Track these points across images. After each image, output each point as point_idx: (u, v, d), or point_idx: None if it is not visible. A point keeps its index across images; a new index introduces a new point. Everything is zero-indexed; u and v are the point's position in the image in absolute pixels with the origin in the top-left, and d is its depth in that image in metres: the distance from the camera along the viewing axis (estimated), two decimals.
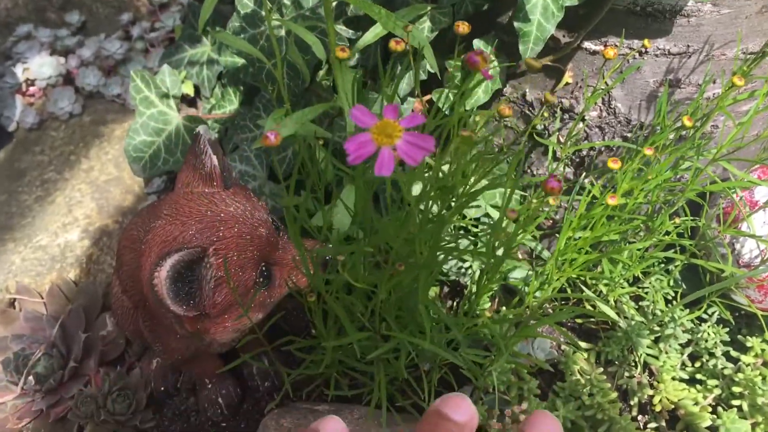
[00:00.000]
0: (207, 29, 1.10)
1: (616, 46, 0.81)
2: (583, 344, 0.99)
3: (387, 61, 0.95)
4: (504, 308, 0.96)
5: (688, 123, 0.67)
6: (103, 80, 1.38)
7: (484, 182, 0.66)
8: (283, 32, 0.88)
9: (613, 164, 0.57)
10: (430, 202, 0.62)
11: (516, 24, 0.78)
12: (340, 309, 0.69)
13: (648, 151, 0.63)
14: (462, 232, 0.99)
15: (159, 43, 1.47)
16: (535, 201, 0.54)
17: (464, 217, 0.92)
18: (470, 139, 0.48)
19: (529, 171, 0.97)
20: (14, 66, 1.41)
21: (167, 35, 1.48)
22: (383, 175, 0.43)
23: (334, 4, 0.81)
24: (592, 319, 0.99)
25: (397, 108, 0.46)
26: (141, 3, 1.61)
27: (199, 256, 0.74)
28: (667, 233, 0.83)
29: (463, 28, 0.58)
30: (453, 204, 0.65)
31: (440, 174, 0.60)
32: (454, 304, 1.05)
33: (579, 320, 0.99)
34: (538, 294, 0.85)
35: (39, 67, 1.39)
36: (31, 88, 1.39)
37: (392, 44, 0.55)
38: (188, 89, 1.37)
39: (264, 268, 0.80)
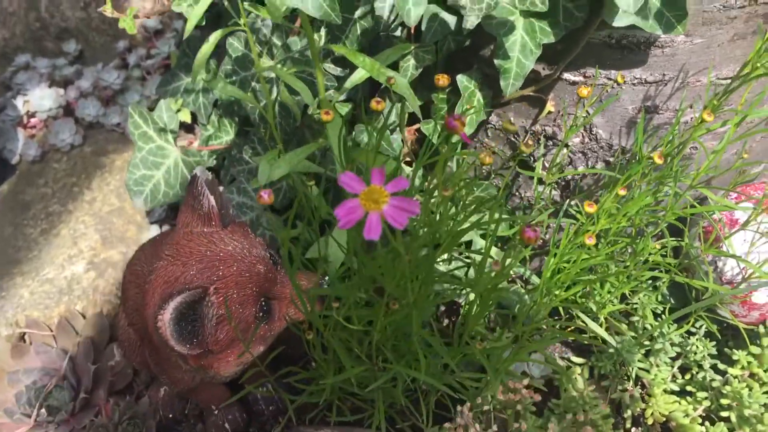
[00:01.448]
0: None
1: (588, 77, 0.84)
2: (576, 359, 1.03)
3: (374, 93, 0.97)
4: (498, 328, 0.99)
5: (658, 160, 0.70)
6: (102, 110, 1.41)
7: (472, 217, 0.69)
8: (273, 74, 0.91)
9: (589, 208, 0.60)
10: (417, 245, 0.65)
11: (496, 61, 0.81)
12: (338, 345, 0.73)
13: (621, 192, 0.66)
14: (455, 255, 1.02)
15: (155, 70, 1.50)
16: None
17: (451, 248, 0.94)
18: (448, 198, 0.51)
19: (517, 194, 1.00)
20: (15, 98, 1.44)
21: (163, 62, 1.51)
22: (372, 238, 0.46)
23: (321, 46, 0.84)
24: (585, 335, 1.02)
25: (383, 171, 0.49)
26: (136, 30, 1.64)
27: (201, 296, 0.77)
28: (651, 254, 0.86)
29: (442, 81, 0.61)
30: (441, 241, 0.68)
31: (427, 216, 0.63)
32: (450, 322, 1.09)
33: (572, 336, 1.02)
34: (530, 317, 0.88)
35: (39, 99, 1.42)
36: (32, 120, 1.42)
37: (373, 104, 0.58)
38: (185, 117, 1.40)
39: (263, 303, 0.83)
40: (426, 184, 0.63)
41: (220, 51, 1.22)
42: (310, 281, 0.85)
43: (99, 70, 1.48)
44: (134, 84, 1.48)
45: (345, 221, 0.46)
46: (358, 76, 0.80)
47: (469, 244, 1.01)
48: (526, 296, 0.88)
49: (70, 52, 1.58)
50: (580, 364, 1.02)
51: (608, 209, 0.76)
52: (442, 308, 1.11)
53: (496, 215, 0.66)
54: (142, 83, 1.49)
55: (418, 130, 0.98)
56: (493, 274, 0.61)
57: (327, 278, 0.86)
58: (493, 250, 0.91)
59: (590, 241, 0.60)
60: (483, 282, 0.68)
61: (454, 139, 0.90)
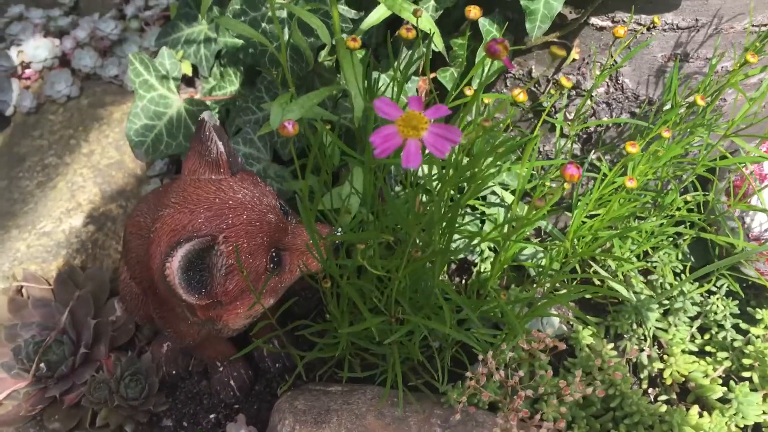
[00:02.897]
0: (207, 11, 1.09)
1: (624, 22, 0.80)
2: (591, 319, 1.00)
3: (391, 39, 0.93)
4: (513, 285, 0.96)
5: (701, 102, 0.67)
6: (99, 61, 1.36)
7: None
8: (285, 14, 0.87)
9: (632, 148, 0.56)
10: (441, 187, 0.62)
11: (523, 2, 0.77)
12: (355, 294, 0.69)
13: (665, 133, 0.63)
14: (469, 210, 0.98)
15: (154, 21, 1.45)
16: (548, 185, 0.54)
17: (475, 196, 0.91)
18: (487, 129, 0.47)
19: (535, 147, 0.97)
20: (8, 49, 1.39)
21: (162, 13, 1.46)
22: (411, 167, 0.43)
23: None
24: (602, 291, 0.99)
25: (422, 99, 0.46)
26: None
27: (210, 244, 0.73)
28: (677, 209, 0.83)
29: (474, 12, 0.57)
30: (466, 187, 0.64)
31: (456, 159, 0.60)
32: (462, 281, 1.06)
33: (588, 295, 0.99)
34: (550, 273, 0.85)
35: (34, 49, 1.37)
36: (27, 71, 1.37)
37: (403, 32, 0.54)
38: (186, 69, 1.36)
39: (274, 254, 0.79)
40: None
41: (224, 0, 1.18)
42: (324, 232, 0.81)
43: (95, 20, 1.43)
44: (132, 35, 1.43)
45: (382, 149, 0.43)
46: (376, 15, 0.76)
47: (484, 199, 0.98)
48: (548, 251, 0.85)
49: (65, 3, 1.52)
50: (595, 324, 0.99)
51: (650, 153, 0.72)
52: (453, 267, 1.07)
53: (526, 161, 0.63)
54: (140, 34, 1.44)
55: (433, 79, 0.94)
56: (518, 223, 0.58)
57: (340, 229, 0.83)
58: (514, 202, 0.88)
59: (631, 183, 0.56)
60: (508, 233, 0.65)
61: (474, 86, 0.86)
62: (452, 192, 0.68)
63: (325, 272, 0.76)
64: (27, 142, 1.25)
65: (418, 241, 0.63)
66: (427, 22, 0.68)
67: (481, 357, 0.73)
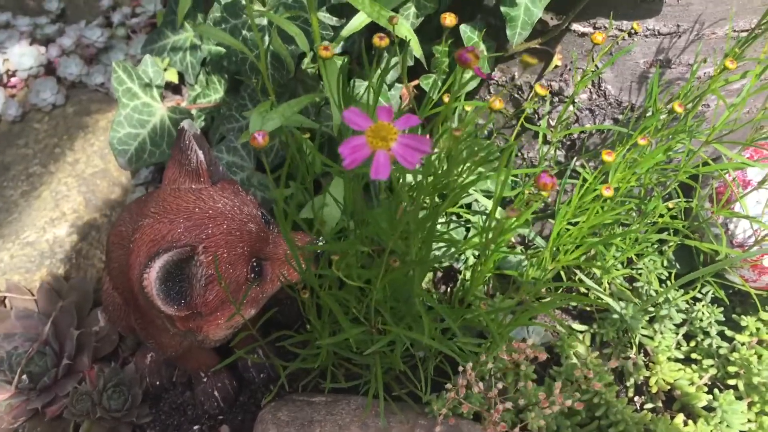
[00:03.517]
0: (186, 21, 1.08)
1: (605, 28, 0.80)
2: (578, 327, 0.99)
3: (373, 46, 0.93)
4: (498, 294, 0.95)
5: (678, 109, 0.66)
6: (85, 69, 1.36)
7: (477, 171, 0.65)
8: (266, 21, 0.86)
9: (607, 157, 0.56)
10: (422, 195, 0.61)
11: (502, 8, 0.76)
12: (334, 304, 0.69)
13: (642, 141, 0.62)
14: (454, 218, 0.98)
15: (141, 29, 1.45)
16: (528, 193, 0.54)
17: (455, 204, 0.91)
18: (459, 138, 0.47)
19: (519, 154, 0.96)
20: None
21: (149, 21, 1.46)
22: (380, 178, 0.42)
23: None
24: (588, 300, 0.99)
25: (392, 109, 0.45)
26: None
27: (189, 254, 0.72)
28: (661, 216, 0.82)
29: (449, 20, 0.56)
30: (445, 194, 0.64)
31: (432, 167, 0.59)
32: (448, 289, 1.05)
33: (575, 301, 0.99)
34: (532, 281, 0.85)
35: (19, 57, 1.36)
36: (13, 79, 1.36)
37: (376, 40, 0.53)
38: (172, 76, 1.35)
39: (255, 264, 0.79)
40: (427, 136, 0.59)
41: (208, 5, 1.17)
42: (304, 241, 0.81)
43: (82, 28, 1.42)
44: (119, 43, 1.43)
45: (350, 160, 0.42)
46: (357, 22, 0.76)
47: (469, 207, 0.98)
48: (528, 260, 0.84)
49: (52, 11, 1.51)
50: (581, 332, 0.98)
51: (627, 161, 0.72)
52: (439, 275, 1.07)
53: (503, 169, 0.62)
54: (127, 42, 1.44)
55: (417, 87, 0.94)
56: (498, 231, 0.57)
57: (321, 238, 0.82)
58: (497, 210, 0.87)
59: (608, 192, 0.56)
60: (488, 241, 0.65)
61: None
62: (437, 200, 0.67)
63: (304, 283, 0.75)
64: (12, 151, 1.24)
65: (396, 250, 0.63)
66: (404, 29, 0.67)
67: (461, 368, 0.73)
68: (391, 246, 0.59)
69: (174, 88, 1.38)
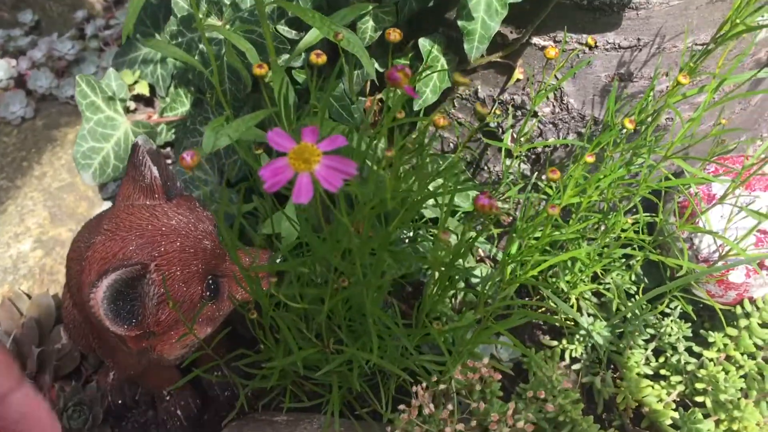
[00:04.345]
0: (136, 36, 1.07)
1: (559, 42, 0.79)
2: (548, 342, 0.98)
3: (334, 59, 0.92)
4: (464, 310, 0.94)
5: (629, 125, 0.65)
6: (55, 82, 1.34)
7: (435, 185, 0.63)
8: (222, 35, 0.85)
9: (553, 175, 0.54)
10: (360, 216, 0.60)
11: (460, 23, 0.75)
12: (283, 325, 0.67)
13: (589, 159, 0.61)
14: (421, 232, 0.97)
15: (113, 41, 1.44)
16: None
17: (420, 219, 0.89)
18: (397, 157, 0.45)
19: (486, 168, 0.95)
20: None
21: (121, 33, 1.44)
22: (301, 202, 0.41)
23: (273, 6, 0.78)
24: (555, 317, 0.97)
25: (317, 130, 0.44)
26: (96, 0, 1.57)
27: (140, 272, 0.71)
28: (623, 230, 0.81)
29: (394, 35, 0.55)
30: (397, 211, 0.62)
31: (377, 184, 0.58)
32: (417, 303, 1.03)
33: (540, 318, 0.98)
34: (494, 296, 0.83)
35: None
36: None
37: (313, 57, 0.52)
38: (143, 89, 1.34)
39: (211, 281, 0.77)
40: (386, 152, 0.58)
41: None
42: (263, 257, 0.79)
43: (53, 41, 1.41)
44: (91, 55, 1.41)
45: (271, 183, 0.41)
46: (311, 37, 0.75)
47: (436, 222, 0.96)
48: (490, 275, 0.83)
49: (26, 23, 1.50)
50: (551, 347, 0.97)
51: (577, 179, 0.70)
52: (410, 289, 1.05)
53: (451, 184, 0.61)
54: (99, 54, 1.42)
55: (382, 99, 0.93)
56: (448, 248, 0.56)
57: (274, 255, 0.80)
58: (453, 224, 0.86)
59: (553, 211, 0.54)
60: (440, 257, 0.63)
61: (415, 106, 0.85)
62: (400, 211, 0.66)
63: (253, 303, 0.74)
64: None
65: (342, 271, 0.61)
66: (353, 44, 0.66)
67: (413, 389, 0.71)
68: (335, 266, 0.58)
69: (146, 101, 1.37)
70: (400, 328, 0.71)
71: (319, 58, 0.52)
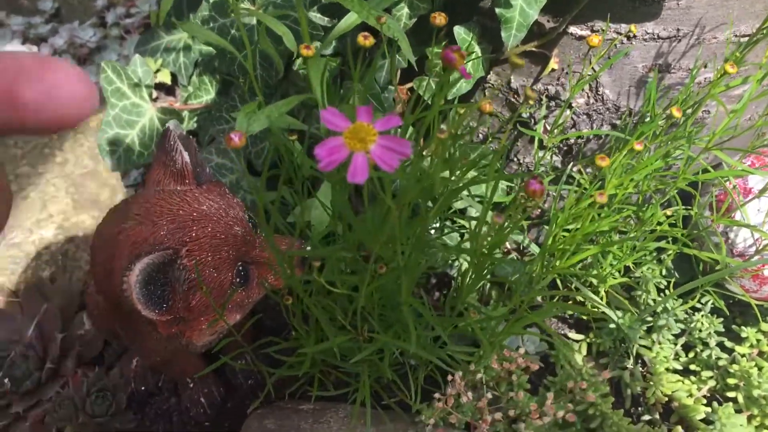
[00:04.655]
0: (172, 19, 1.06)
1: (603, 31, 0.78)
2: (574, 336, 0.97)
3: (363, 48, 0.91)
4: (492, 302, 0.93)
5: (677, 114, 0.64)
6: None
7: (469, 175, 0.63)
8: (255, 20, 0.84)
9: (601, 161, 0.53)
10: (407, 200, 0.59)
11: (498, 10, 0.74)
12: (319, 311, 0.67)
13: (638, 146, 0.60)
14: (447, 223, 0.96)
15: (135, 29, 1.43)
16: (521, 199, 0.51)
17: (449, 209, 0.89)
18: (446, 141, 0.45)
19: (515, 159, 0.94)
20: None
21: (143, 21, 1.44)
22: (357, 182, 0.40)
23: None
24: (584, 309, 0.97)
25: (371, 110, 0.43)
26: None
27: (172, 258, 0.70)
28: (659, 224, 0.80)
29: (439, 19, 0.54)
30: (435, 199, 0.62)
31: (420, 171, 0.57)
32: (441, 295, 1.03)
33: (571, 310, 0.97)
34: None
35: None
36: None
37: (360, 39, 0.51)
38: (165, 77, 1.33)
39: (241, 268, 0.77)
40: (420, 141, 0.57)
41: (199, 5, 1.15)
42: (290, 245, 0.78)
43: (75, 28, 1.41)
44: (112, 43, 1.41)
45: (326, 162, 0.40)
46: (347, 23, 0.74)
47: (463, 212, 0.96)
48: (523, 267, 0.82)
49: (46, 10, 1.50)
50: (577, 341, 0.96)
51: (623, 166, 0.69)
52: (434, 281, 1.05)
53: (494, 174, 0.60)
54: (120, 42, 1.42)
55: (411, 89, 0.92)
56: (489, 237, 0.55)
57: (305, 242, 0.80)
58: (489, 215, 0.85)
59: (601, 198, 0.54)
60: (478, 247, 0.63)
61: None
62: (429, 204, 0.65)
63: (288, 288, 0.73)
64: (0, 151, 1.22)
65: (383, 257, 0.61)
66: (394, 29, 0.65)
67: (449, 378, 0.70)
68: (377, 252, 0.57)
69: (167, 89, 1.36)
70: (433, 317, 0.70)
71: (367, 40, 0.51)
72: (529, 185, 0.47)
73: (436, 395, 0.72)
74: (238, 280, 0.76)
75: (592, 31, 0.79)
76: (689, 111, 0.75)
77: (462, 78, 0.82)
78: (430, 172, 0.50)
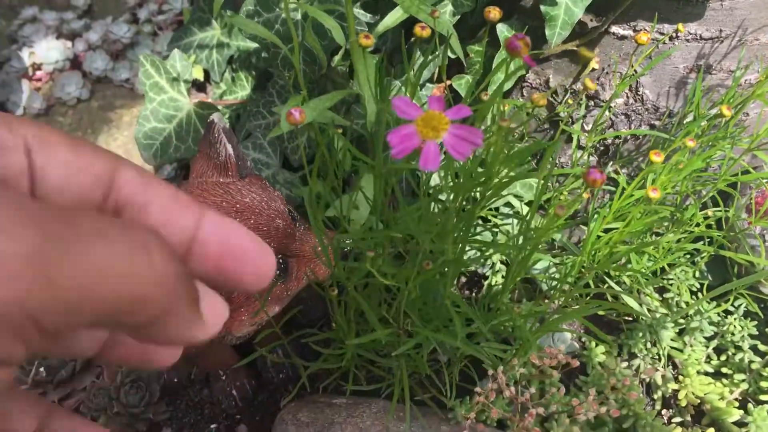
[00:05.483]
0: (221, 11, 1.07)
1: (647, 30, 0.78)
2: (605, 336, 0.97)
3: (406, 44, 0.92)
4: (524, 300, 0.93)
5: (727, 112, 0.64)
6: (110, 64, 1.35)
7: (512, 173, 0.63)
8: (299, 16, 0.85)
9: (656, 157, 0.54)
10: (455, 195, 0.60)
11: (543, 8, 0.75)
12: (365, 303, 0.67)
13: (690, 143, 0.61)
14: (481, 222, 0.96)
15: (167, 26, 1.44)
16: (564, 196, 0.52)
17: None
18: (506, 129, 0.45)
19: (551, 158, 0.94)
20: (20, 50, 1.38)
21: (175, 18, 1.45)
22: (429, 170, 0.41)
23: None
24: (614, 311, 0.97)
25: (443, 99, 0.44)
26: None
27: None
28: (696, 225, 0.80)
29: (494, 14, 0.55)
30: (479, 196, 0.62)
31: (470, 165, 0.57)
32: (472, 294, 1.03)
33: (601, 312, 0.97)
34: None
35: (46, 51, 1.36)
36: (38, 73, 1.36)
37: (417, 30, 0.52)
38: (198, 74, 1.35)
39: (281, 261, 0.77)
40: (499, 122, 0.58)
41: (235, 3, 1.17)
42: (331, 239, 0.79)
43: (108, 24, 1.42)
44: (145, 39, 1.42)
45: (399, 149, 0.41)
46: (393, 18, 0.74)
47: (497, 210, 0.96)
48: (561, 265, 0.82)
49: (79, 6, 1.52)
50: (609, 342, 0.96)
51: (669, 165, 0.70)
52: (463, 280, 1.05)
53: (542, 169, 0.61)
54: (153, 39, 1.43)
55: (449, 88, 0.93)
56: (533, 234, 0.56)
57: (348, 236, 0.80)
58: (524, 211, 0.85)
59: (654, 194, 0.54)
60: (523, 243, 0.63)
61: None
62: (464, 202, 0.66)
63: (332, 280, 0.74)
64: None
65: (432, 251, 0.61)
66: (444, 24, 0.66)
67: (491, 372, 0.71)
68: (426, 246, 0.58)
69: (199, 86, 1.37)
70: (474, 311, 0.70)
71: (424, 31, 0.52)
72: (589, 174, 0.47)
73: (477, 389, 0.72)
74: (278, 272, 0.77)
75: (635, 30, 0.80)
76: (733, 111, 0.75)
77: (505, 75, 0.83)
78: (488, 164, 0.51)
